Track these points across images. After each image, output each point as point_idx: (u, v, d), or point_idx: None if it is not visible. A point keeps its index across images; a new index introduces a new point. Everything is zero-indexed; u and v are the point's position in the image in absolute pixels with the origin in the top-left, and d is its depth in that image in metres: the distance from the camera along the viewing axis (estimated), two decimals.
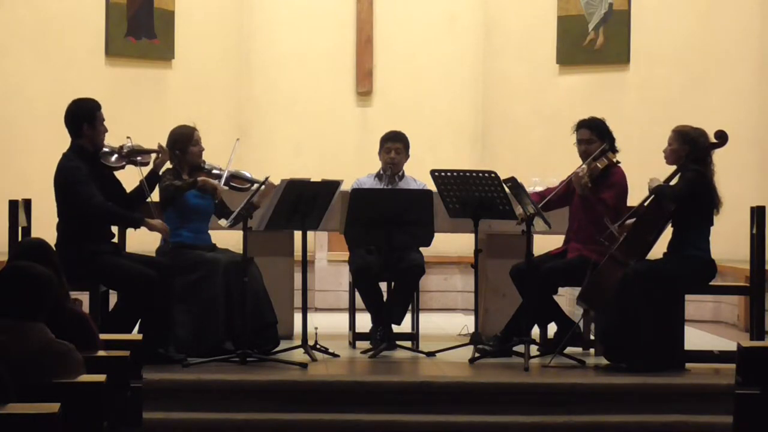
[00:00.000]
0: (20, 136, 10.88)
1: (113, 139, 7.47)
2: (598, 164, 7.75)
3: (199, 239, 7.84)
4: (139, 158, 7.46)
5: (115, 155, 7.41)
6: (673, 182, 7.46)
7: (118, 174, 7.53)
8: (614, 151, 7.85)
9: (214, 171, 7.86)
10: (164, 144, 7.72)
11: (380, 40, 12.10)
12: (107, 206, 7.25)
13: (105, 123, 7.35)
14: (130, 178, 7.56)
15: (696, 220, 7.41)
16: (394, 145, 8.35)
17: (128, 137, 7.36)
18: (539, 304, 7.73)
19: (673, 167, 7.49)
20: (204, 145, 7.89)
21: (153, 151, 7.55)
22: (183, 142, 7.80)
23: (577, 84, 11.60)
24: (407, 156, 8.40)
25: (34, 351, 4.40)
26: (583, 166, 7.77)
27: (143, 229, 7.99)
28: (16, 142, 10.87)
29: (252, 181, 7.82)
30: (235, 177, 7.87)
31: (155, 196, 7.59)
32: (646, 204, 7.43)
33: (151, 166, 7.53)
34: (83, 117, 7.29)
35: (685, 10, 11.26)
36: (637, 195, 7.65)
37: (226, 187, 7.84)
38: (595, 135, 7.85)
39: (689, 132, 7.45)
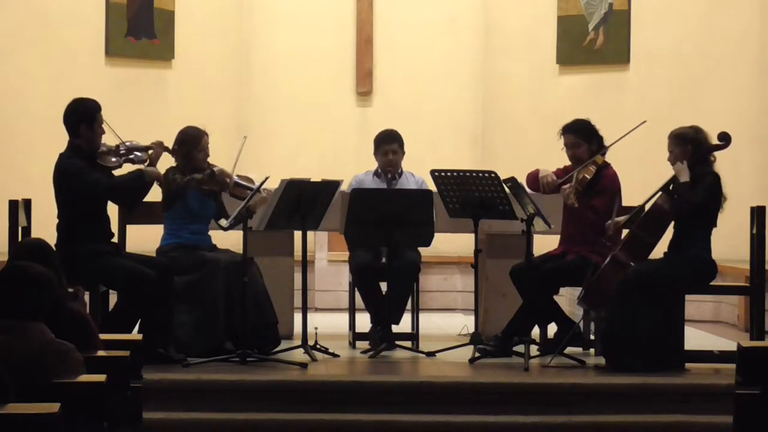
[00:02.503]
0: (20, 136, 10.87)
1: (110, 139, 7.46)
2: (585, 175, 7.72)
3: (199, 240, 7.84)
4: (136, 155, 7.45)
5: (112, 155, 7.40)
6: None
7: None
8: (603, 152, 7.81)
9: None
10: (168, 143, 7.72)
11: (380, 40, 12.09)
12: (115, 183, 7.29)
13: (103, 125, 7.34)
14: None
15: (699, 220, 7.39)
16: (390, 147, 8.31)
17: (106, 123, 7.35)
18: (539, 304, 7.72)
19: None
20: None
21: (149, 147, 7.54)
22: (189, 145, 7.79)
23: (577, 84, 11.60)
24: (403, 153, 8.39)
25: (34, 351, 4.40)
26: (568, 186, 7.70)
27: (143, 228, 8.01)
28: (16, 142, 10.86)
29: (252, 188, 7.81)
30: (236, 186, 7.85)
31: (155, 192, 7.60)
32: (648, 205, 7.41)
33: (148, 162, 7.52)
34: (82, 117, 7.28)
35: (685, 11, 11.25)
36: (637, 195, 7.64)
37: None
38: (580, 138, 7.83)
39: (687, 133, 7.43)
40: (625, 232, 7.59)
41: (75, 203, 7.26)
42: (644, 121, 7.76)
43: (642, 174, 8.22)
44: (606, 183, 7.78)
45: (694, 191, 7.26)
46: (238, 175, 7.87)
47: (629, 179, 7.90)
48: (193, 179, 7.63)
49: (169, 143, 7.76)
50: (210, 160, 7.92)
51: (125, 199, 7.57)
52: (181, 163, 7.79)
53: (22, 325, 4.43)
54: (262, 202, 7.66)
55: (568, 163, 7.97)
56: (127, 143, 7.45)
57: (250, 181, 7.91)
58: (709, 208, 7.33)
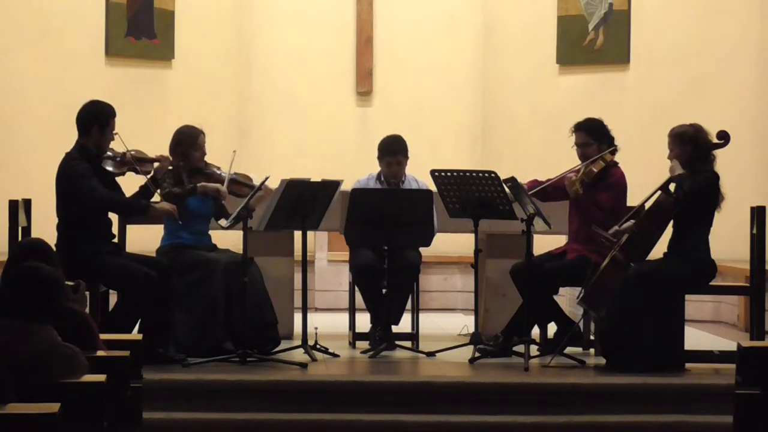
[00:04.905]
0: (20, 136, 10.87)
1: (118, 146, 7.43)
2: (593, 168, 7.72)
3: (199, 240, 7.84)
4: (140, 166, 7.41)
5: (117, 161, 7.37)
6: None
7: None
8: (614, 151, 7.83)
9: (216, 173, 7.85)
10: (165, 142, 7.72)
11: (380, 40, 12.10)
12: (112, 196, 7.26)
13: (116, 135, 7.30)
14: (129, 183, 7.55)
15: (697, 220, 7.40)
16: (395, 159, 8.23)
17: (115, 132, 7.31)
18: (539, 304, 7.72)
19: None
20: (205, 146, 7.89)
21: (155, 160, 7.52)
22: (186, 144, 7.79)
23: (577, 84, 11.60)
24: (407, 159, 8.35)
25: (40, 353, 4.40)
26: (575, 170, 7.73)
27: (143, 228, 7.99)
28: (16, 142, 10.86)
29: (252, 186, 7.81)
30: (235, 182, 7.86)
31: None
32: (648, 204, 7.41)
33: (152, 174, 7.50)
34: (96, 119, 7.26)
35: (685, 10, 11.26)
36: (637, 195, 7.64)
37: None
38: (591, 137, 7.82)
39: (686, 131, 7.42)
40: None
41: (73, 205, 7.24)
42: (615, 147, 7.76)
43: (642, 174, 8.21)
44: (613, 181, 7.77)
45: (691, 181, 7.26)
46: (235, 173, 7.86)
47: (629, 179, 7.89)
48: (172, 192, 7.58)
49: (167, 144, 7.76)
50: (210, 160, 7.93)
51: (118, 214, 7.61)
52: (179, 164, 7.76)
53: (30, 327, 4.43)
54: (260, 200, 7.65)
55: (565, 163, 7.95)
56: (133, 152, 7.41)
57: (248, 178, 7.92)
58: (704, 199, 7.31)
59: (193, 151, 7.80)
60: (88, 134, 7.26)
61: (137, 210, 7.46)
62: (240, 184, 7.87)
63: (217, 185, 7.74)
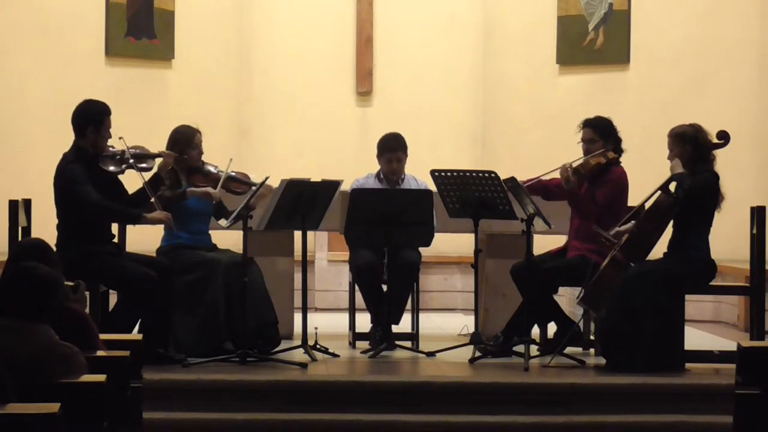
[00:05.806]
0: (20, 136, 10.87)
1: (118, 145, 7.42)
2: (591, 161, 7.73)
3: (199, 240, 7.84)
4: (141, 165, 7.37)
5: (116, 159, 7.34)
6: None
7: (121, 176, 7.49)
8: (619, 151, 7.82)
9: (212, 172, 7.84)
10: (165, 142, 7.72)
11: (380, 40, 12.10)
12: (104, 203, 7.22)
13: (111, 129, 7.28)
14: (132, 181, 7.54)
15: (697, 220, 7.40)
16: (395, 155, 8.25)
17: (120, 137, 7.30)
18: (539, 304, 7.72)
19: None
20: (204, 145, 7.89)
21: (156, 155, 7.50)
22: (183, 144, 7.79)
23: (577, 84, 11.60)
24: (406, 156, 8.37)
25: (40, 353, 4.40)
26: (575, 161, 7.75)
27: (143, 228, 7.98)
28: (16, 142, 10.87)
29: (250, 184, 7.81)
30: (232, 180, 7.85)
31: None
32: (648, 204, 7.41)
33: (154, 170, 7.48)
34: (90, 119, 7.24)
35: (685, 11, 11.26)
36: (637, 195, 7.64)
37: (223, 190, 7.78)
38: (597, 135, 7.82)
39: (686, 131, 7.43)
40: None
41: (70, 207, 7.23)
42: (621, 148, 7.75)
43: (642, 174, 8.20)
44: (613, 177, 7.77)
45: (691, 180, 7.25)
46: (233, 171, 7.85)
47: (629, 179, 7.89)
48: (162, 197, 7.56)
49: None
50: (210, 160, 7.92)
51: (108, 221, 7.56)
52: (175, 165, 7.74)
53: (28, 327, 4.43)
54: (263, 197, 7.64)
55: (564, 161, 7.95)
56: (132, 150, 7.37)
57: (246, 176, 7.91)
58: (704, 199, 7.31)
59: (190, 150, 7.79)
60: (84, 135, 7.25)
61: (129, 219, 7.45)
62: (237, 182, 7.86)
63: (207, 189, 7.72)
